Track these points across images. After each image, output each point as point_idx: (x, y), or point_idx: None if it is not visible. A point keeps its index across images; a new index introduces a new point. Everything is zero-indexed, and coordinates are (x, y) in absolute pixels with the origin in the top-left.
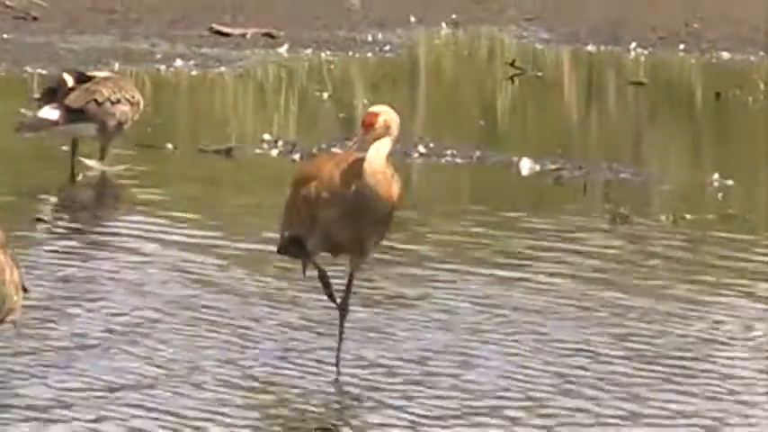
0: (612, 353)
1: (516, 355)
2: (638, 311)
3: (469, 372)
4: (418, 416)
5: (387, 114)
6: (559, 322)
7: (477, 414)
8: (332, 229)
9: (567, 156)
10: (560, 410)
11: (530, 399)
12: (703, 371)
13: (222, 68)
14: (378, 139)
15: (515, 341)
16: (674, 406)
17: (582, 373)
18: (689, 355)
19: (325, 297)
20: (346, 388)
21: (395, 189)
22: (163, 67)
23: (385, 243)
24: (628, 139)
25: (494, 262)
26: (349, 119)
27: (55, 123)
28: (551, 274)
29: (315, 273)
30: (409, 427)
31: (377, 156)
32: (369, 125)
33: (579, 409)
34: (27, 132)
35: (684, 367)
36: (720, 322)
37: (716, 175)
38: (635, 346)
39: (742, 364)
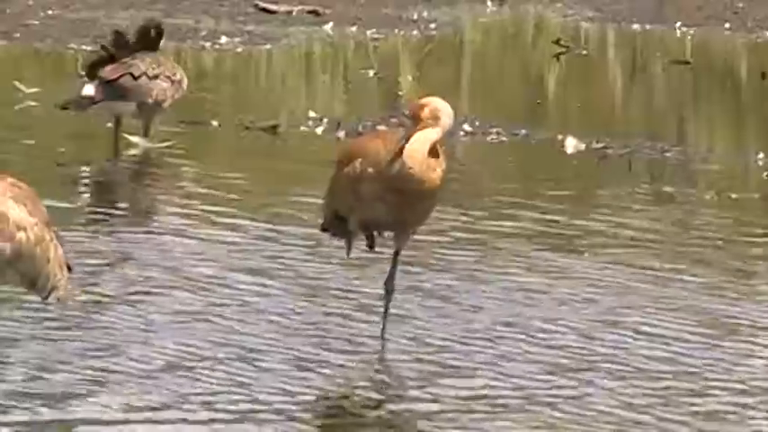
0: (658, 330)
1: (567, 328)
2: (684, 289)
3: (531, 345)
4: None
5: (434, 104)
6: (604, 298)
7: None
8: (375, 207)
9: (611, 134)
10: (620, 386)
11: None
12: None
13: (267, 46)
14: (426, 128)
15: (561, 317)
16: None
17: (632, 347)
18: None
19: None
20: (393, 367)
21: (436, 175)
22: (208, 44)
23: (431, 221)
24: (672, 118)
25: (539, 240)
26: (394, 97)
27: (92, 100)
28: (596, 253)
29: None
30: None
31: (420, 143)
32: (415, 117)
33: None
34: (72, 110)
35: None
36: (764, 299)
37: (761, 155)
38: (681, 323)
39: None
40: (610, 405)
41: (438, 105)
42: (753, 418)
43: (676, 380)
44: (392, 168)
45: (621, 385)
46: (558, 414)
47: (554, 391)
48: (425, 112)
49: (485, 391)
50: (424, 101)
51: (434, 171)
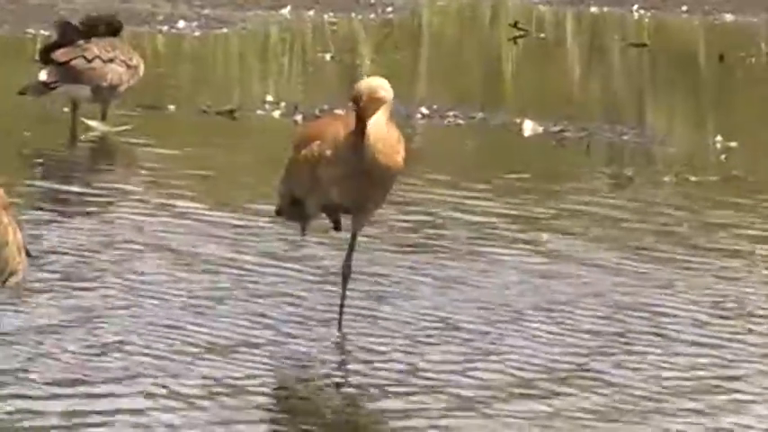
0: (612, 315)
1: (520, 319)
2: (640, 274)
3: (484, 338)
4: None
5: (367, 87)
6: (559, 283)
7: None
8: (333, 190)
9: (569, 117)
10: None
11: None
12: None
13: (224, 30)
14: (373, 112)
15: (515, 303)
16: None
17: (585, 333)
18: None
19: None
20: (352, 350)
21: (398, 156)
22: (165, 29)
23: (386, 206)
24: (631, 101)
25: (496, 224)
26: (351, 80)
27: (46, 84)
28: (554, 236)
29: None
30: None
31: (376, 126)
32: (355, 103)
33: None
34: (30, 95)
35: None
36: (720, 283)
37: (719, 137)
38: (635, 309)
39: (741, 326)
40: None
41: (373, 84)
42: None
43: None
44: (353, 152)
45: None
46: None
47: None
48: (363, 99)
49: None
50: (359, 85)
51: (398, 153)
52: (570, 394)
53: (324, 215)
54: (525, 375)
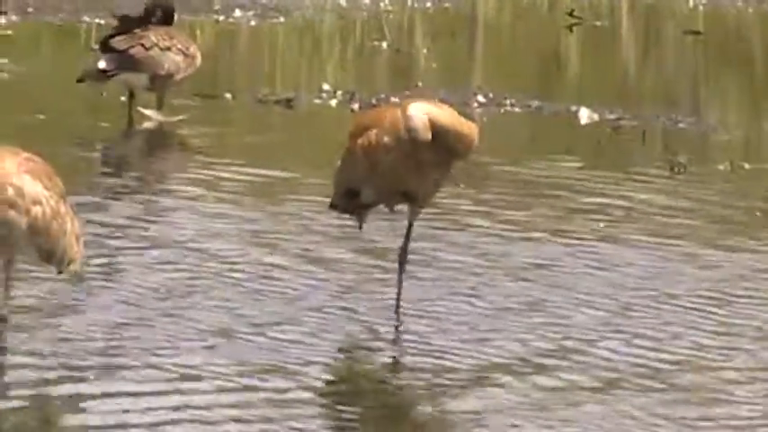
0: (673, 301)
1: (580, 302)
2: (698, 259)
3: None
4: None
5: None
6: (617, 269)
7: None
8: (391, 178)
9: (625, 105)
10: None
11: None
12: None
13: (281, 18)
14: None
15: (573, 288)
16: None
17: (647, 317)
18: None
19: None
20: (409, 338)
21: (474, 132)
22: (221, 18)
23: (443, 193)
24: (686, 89)
25: (552, 213)
26: (407, 69)
27: (104, 72)
28: (609, 223)
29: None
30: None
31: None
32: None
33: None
34: (88, 82)
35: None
36: None
37: None
38: (693, 294)
39: None
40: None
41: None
42: None
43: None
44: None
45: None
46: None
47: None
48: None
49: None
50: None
51: (471, 129)
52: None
53: (380, 206)
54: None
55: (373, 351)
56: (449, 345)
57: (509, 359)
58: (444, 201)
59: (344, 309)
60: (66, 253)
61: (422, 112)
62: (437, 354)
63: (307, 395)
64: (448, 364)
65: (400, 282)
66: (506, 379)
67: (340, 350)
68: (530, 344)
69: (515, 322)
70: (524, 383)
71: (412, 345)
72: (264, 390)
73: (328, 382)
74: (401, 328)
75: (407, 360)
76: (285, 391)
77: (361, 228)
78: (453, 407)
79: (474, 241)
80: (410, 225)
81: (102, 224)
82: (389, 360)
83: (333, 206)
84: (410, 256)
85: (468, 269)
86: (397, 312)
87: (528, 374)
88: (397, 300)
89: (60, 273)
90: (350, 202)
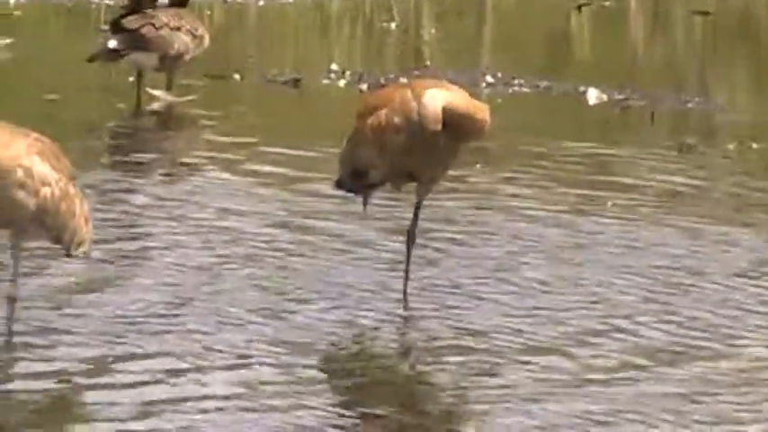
0: (676, 280)
1: (584, 282)
2: (705, 239)
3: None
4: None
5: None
6: (626, 250)
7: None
8: (400, 158)
9: (633, 85)
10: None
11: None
12: None
13: None
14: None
15: (581, 267)
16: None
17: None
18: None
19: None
20: (418, 320)
21: (486, 114)
22: None
23: (451, 173)
24: (694, 69)
25: (560, 191)
26: (416, 49)
27: (116, 51)
28: (618, 203)
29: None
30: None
31: (434, 93)
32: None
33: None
34: (98, 62)
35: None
36: None
37: None
38: (724, 272)
39: None
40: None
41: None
42: None
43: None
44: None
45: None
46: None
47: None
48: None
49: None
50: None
51: (483, 111)
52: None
53: (386, 185)
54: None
55: (408, 330)
56: (487, 323)
57: (546, 338)
58: (464, 179)
59: (378, 287)
60: (75, 234)
61: (436, 102)
62: (474, 332)
63: (342, 374)
64: (486, 343)
65: (408, 262)
66: (544, 357)
67: (375, 328)
68: (567, 322)
69: (553, 301)
70: (561, 362)
71: (449, 322)
72: (301, 367)
73: (363, 359)
74: (437, 304)
75: (445, 337)
76: (324, 369)
77: (365, 207)
78: (492, 383)
79: (504, 219)
80: (418, 205)
81: (119, 205)
82: (426, 338)
83: (338, 185)
84: (442, 235)
85: (499, 246)
86: (404, 293)
87: (565, 353)
88: (405, 281)
89: (69, 255)
90: (356, 181)
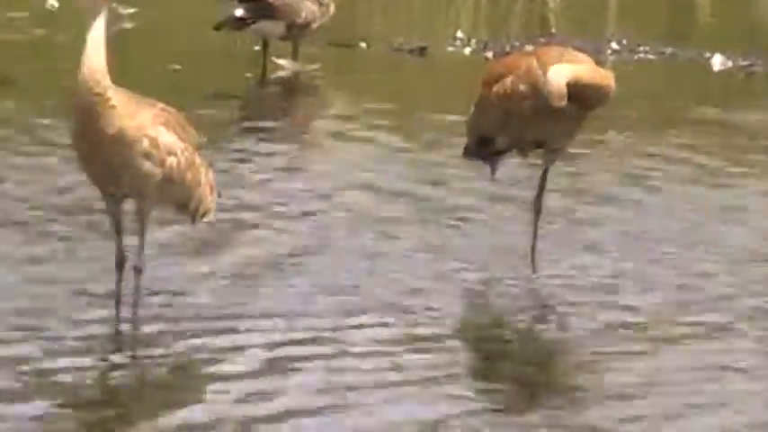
0: None
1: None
2: None
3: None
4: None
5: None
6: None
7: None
8: (526, 125)
9: (758, 51)
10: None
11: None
12: None
13: None
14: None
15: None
16: None
17: None
18: None
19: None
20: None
21: (612, 81)
22: None
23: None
24: None
25: (684, 157)
26: (541, 17)
27: (242, 20)
28: (742, 172)
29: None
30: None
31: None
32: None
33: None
34: (225, 29)
35: None
36: None
37: None
38: None
39: None
40: None
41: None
42: None
43: None
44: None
45: None
46: None
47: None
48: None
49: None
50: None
51: (609, 79)
52: None
53: (513, 152)
54: None
55: (519, 298)
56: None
57: (649, 309)
58: (591, 146)
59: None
60: (200, 203)
61: (560, 78)
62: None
63: (453, 338)
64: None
65: (535, 230)
66: (641, 329)
67: (479, 294)
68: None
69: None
70: (657, 330)
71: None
72: (403, 331)
73: (475, 328)
74: (541, 275)
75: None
76: (429, 337)
77: (493, 175)
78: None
79: (629, 187)
80: (545, 172)
81: (246, 173)
82: (539, 307)
83: (466, 153)
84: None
85: (624, 212)
86: (532, 261)
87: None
88: (533, 249)
89: (194, 223)
90: (483, 148)
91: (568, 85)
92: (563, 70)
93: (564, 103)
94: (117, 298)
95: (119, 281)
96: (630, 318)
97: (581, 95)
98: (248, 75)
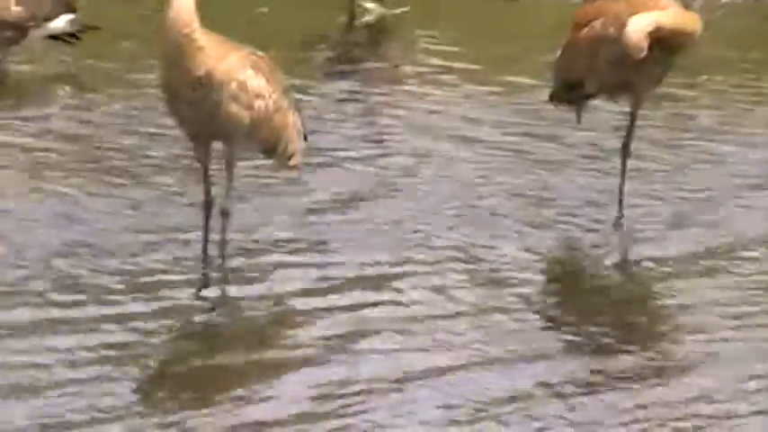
0: None
1: None
2: None
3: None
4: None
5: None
6: None
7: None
8: (613, 69)
9: None
10: None
11: None
12: None
13: None
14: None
15: None
16: None
17: None
18: None
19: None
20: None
21: (698, 26)
22: None
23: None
24: None
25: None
26: None
27: None
28: None
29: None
30: None
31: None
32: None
33: None
34: None
35: None
36: None
37: None
38: None
39: None
40: None
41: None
42: None
43: None
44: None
45: None
46: None
47: None
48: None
49: None
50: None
51: (694, 23)
52: None
53: (601, 96)
54: None
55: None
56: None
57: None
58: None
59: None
60: (287, 147)
61: (638, 30)
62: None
63: (533, 312)
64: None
65: (623, 175)
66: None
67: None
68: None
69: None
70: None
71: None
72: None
73: (550, 281)
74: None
75: None
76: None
77: (579, 120)
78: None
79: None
80: (633, 116)
81: (335, 115)
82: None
83: (552, 97)
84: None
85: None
86: (620, 204)
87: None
88: (621, 192)
89: (282, 166)
90: (569, 92)
91: (650, 33)
92: (641, 23)
93: (643, 54)
94: (204, 239)
95: (206, 223)
96: None
97: (666, 40)
98: (335, 18)
